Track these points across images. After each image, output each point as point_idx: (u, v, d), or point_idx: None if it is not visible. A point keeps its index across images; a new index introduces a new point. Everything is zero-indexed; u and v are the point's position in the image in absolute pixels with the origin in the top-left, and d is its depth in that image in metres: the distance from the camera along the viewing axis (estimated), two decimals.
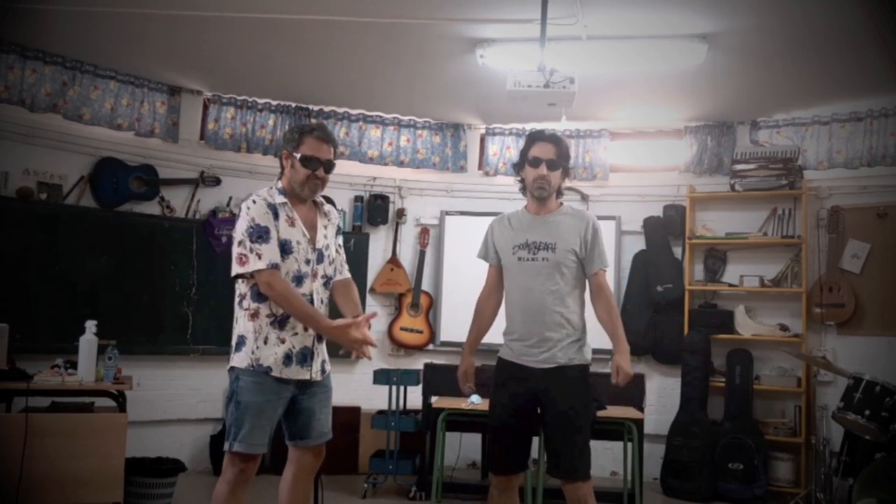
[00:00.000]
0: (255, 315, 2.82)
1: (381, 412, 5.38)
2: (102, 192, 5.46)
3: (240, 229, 2.80)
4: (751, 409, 5.61)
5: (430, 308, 6.35)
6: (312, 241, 2.89)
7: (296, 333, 2.82)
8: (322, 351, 2.94)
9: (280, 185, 2.92)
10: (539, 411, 3.11)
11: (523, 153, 3.22)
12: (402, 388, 5.27)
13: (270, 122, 6.15)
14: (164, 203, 5.71)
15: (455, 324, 6.20)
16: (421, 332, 6.23)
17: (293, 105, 6.18)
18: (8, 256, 4.99)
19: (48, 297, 5.08)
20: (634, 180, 6.39)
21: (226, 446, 2.79)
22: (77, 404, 4.11)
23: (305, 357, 2.84)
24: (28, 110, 5.13)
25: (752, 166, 5.78)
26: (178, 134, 5.88)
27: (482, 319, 3.33)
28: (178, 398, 5.65)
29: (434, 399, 5.15)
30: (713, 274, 6.02)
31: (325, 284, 2.94)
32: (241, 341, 2.83)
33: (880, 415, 4.40)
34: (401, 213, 6.45)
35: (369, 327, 2.88)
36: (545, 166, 3.11)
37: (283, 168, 2.93)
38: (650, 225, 6.21)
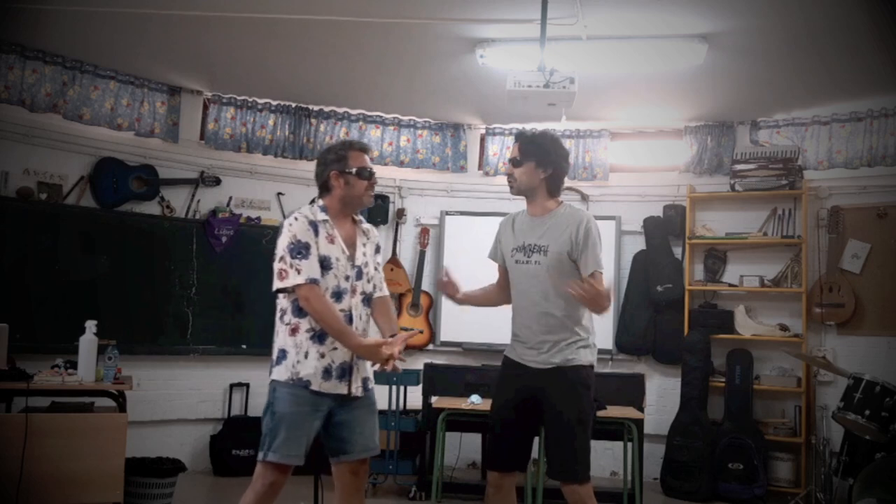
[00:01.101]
0: (295, 330, 2.85)
1: (381, 412, 5.35)
2: (102, 192, 5.47)
3: (281, 245, 2.84)
4: (751, 409, 5.61)
5: (429, 308, 6.35)
6: (352, 258, 2.93)
7: (335, 348, 2.84)
8: (364, 368, 2.94)
9: (322, 203, 2.97)
10: (540, 413, 3.11)
11: None
12: (402, 388, 5.27)
13: (270, 122, 6.15)
14: (164, 203, 5.71)
15: (455, 324, 6.22)
16: (421, 332, 6.24)
17: (293, 105, 6.18)
18: (8, 256, 5.00)
19: (48, 297, 5.08)
20: (634, 180, 6.39)
21: (259, 455, 2.80)
22: (77, 404, 4.11)
23: (344, 372, 2.86)
24: (28, 110, 5.13)
25: (752, 166, 5.78)
26: (178, 134, 5.88)
27: (486, 292, 3.34)
28: (178, 398, 5.65)
29: (434, 399, 5.15)
30: (713, 274, 6.02)
31: (365, 301, 2.97)
32: (283, 355, 2.85)
33: (880, 415, 4.40)
34: (401, 213, 6.45)
35: (403, 350, 2.88)
36: (510, 164, 3.16)
37: (330, 189, 2.96)
38: (650, 225, 6.21)
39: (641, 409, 5.05)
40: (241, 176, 6.05)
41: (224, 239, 5.80)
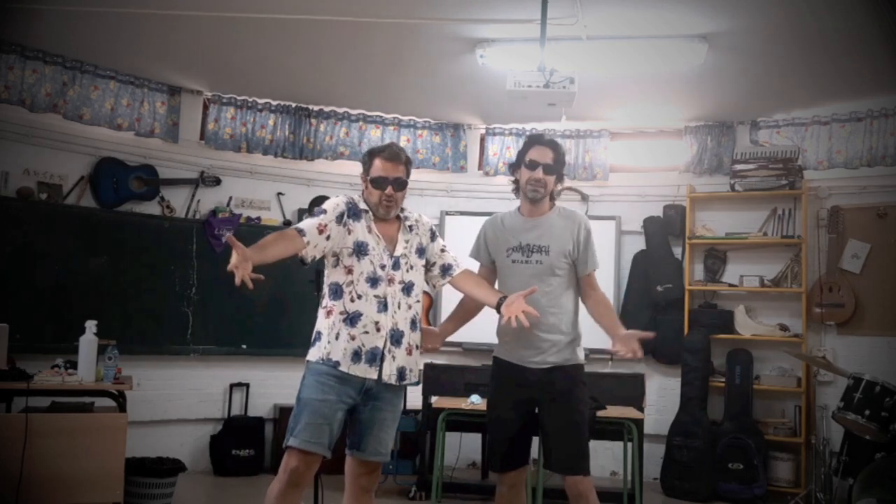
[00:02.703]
0: (329, 312, 2.89)
1: None
2: (102, 192, 5.47)
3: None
4: (751, 409, 5.61)
5: (429, 308, 6.35)
6: (389, 248, 2.95)
7: (366, 332, 2.86)
8: (400, 356, 2.92)
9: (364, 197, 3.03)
10: (537, 410, 3.12)
11: (521, 155, 3.22)
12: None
13: (270, 122, 6.15)
14: (164, 203, 5.71)
15: None
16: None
17: (293, 105, 6.18)
18: (8, 257, 5.00)
19: (48, 297, 5.09)
20: (634, 180, 6.39)
21: (284, 442, 2.82)
22: (77, 404, 4.11)
23: (375, 357, 2.86)
24: (28, 110, 5.14)
25: (752, 166, 5.79)
26: (178, 134, 5.88)
27: (459, 313, 3.30)
28: (178, 398, 5.65)
29: (434, 399, 5.15)
30: (713, 274, 6.02)
31: (405, 290, 2.97)
32: (318, 337, 2.91)
33: (880, 415, 4.40)
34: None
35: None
36: (541, 170, 3.12)
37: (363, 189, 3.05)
38: (650, 225, 6.21)
39: (641, 409, 5.04)
40: (241, 176, 6.05)
41: (224, 239, 5.80)
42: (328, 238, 2.86)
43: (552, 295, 3.09)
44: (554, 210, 3.21)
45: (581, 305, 3.22)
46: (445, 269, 3.10)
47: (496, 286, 3.23)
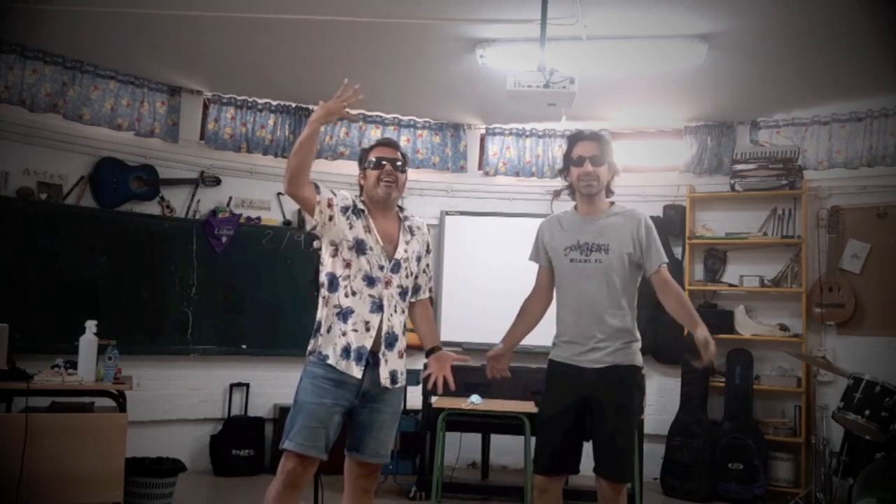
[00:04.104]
0: (326, 303, 2.90)
1: None
2: (102, 192, 5.47)
3: None
4: (751, 409, 5.61)
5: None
6: (388, 250, 2.93)
7: (355, 330, 2.85)
8: (392, 359, 2.91)
9: (362, 199, 3.02)
10: (590, 413, 3.06)
11: (566, 156, 3.18)
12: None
13: (270, 122, 6.15)
14: (164, 203, 5.71)
15: (455, 324, 6.20)
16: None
17: (293, 105, 6.18)
18: (8, 256, 5.00)
19: (48, 297, 5.08)
20: (634, 180, 6.36)
21: (280, 444, 2.82)
22: (77, 404, 4.11)
23: (362, 356, 2.84)
24: (28, 110, 5.14)
25: (752, 166, 5.79)
26: (178, 134, 5.88)
27: (526, 318, 3.26)
28: (178, 398, 5.65)
29: (434, 399, 5.13)
30: (713, 274, 6.02)
31: (402, 294, 2.96)
32: (317, 327, 2.91)
33: (880, 415, 4.40)
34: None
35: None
36: (589, 163, 3.08)
37: (361, 190, 3.04)
38: None
39: (642, 410, 5.04)
40: (240, 176, 6.05)
41: (224, 239, 5.80)
42: (331, 218, 2.85)
43: (611, 295, 3.05)
44: (613, 208, 3.17)
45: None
46: (416, 289, 3.06)
47: (554, 290, 3.21)
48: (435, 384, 2.93)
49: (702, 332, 2.99)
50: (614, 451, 2.99)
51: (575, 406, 3.05)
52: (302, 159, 2.77)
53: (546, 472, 3.08)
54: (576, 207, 3.23)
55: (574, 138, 3.19)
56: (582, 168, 3.09)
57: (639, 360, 3.10)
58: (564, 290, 3.13)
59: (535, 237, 3.28)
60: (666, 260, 3.13)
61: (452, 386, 2.83)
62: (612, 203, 3.21)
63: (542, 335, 3.27)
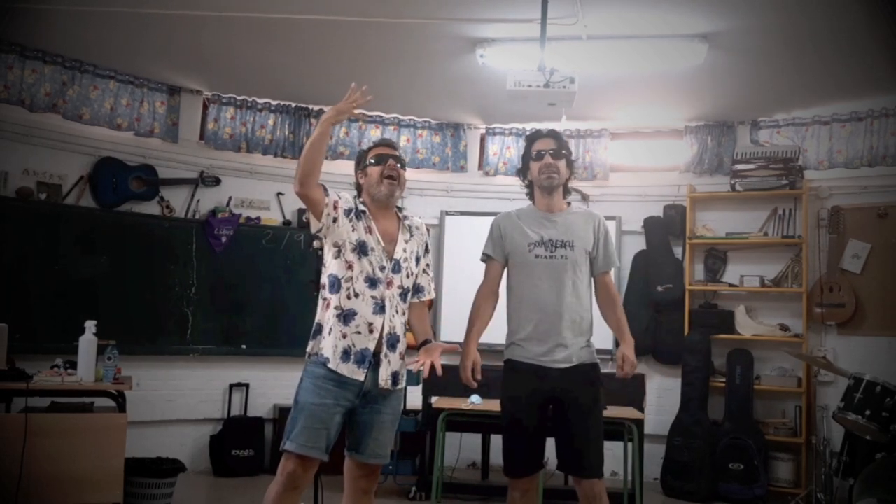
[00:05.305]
0: (327, 306, 2.89)
1: None
2: (102, 192, 5.46)
3: None
4: (751, 410, 5.61)
5: (430, 308, 6.33)
6: (388, 251, 2.93)
7: (358, 332, 2.84)
8: (394, 360, 2.91)
9: (361, 199, 3.02)
10: (554, 411, 3.08)
11: (525, 154, 3.21)
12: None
13: (270, 122, 6.15)
14: (164, 203, 5.70)
15: (455, 324, 6.18)
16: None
17: (293, 105, 6.18)
18: (8, 256, 4.99)
19: (48, 297, 5.08)
20: (635, 180, 6.39)
21: (281, 445, 2.82)
22: (77, 404, 4.11)
23: (364, 359, 2.83)
24: (28, 110, 5.13)
25: (752, 166, 5.78)
26: (177, 134, 5.87)
27: (485, 317, 3.24)
28: (178, 398, 5.64)
29: (434, 399, 5.13)
30: (713, 274, 6.02)
31: (403, 295, 2.96)
32: (317, 329, 2.91)
33: (880, 415, 4.39)
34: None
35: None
36: (549, 156, 3.12)
37: (359, 190, 3.04)
38: (650, 225, 6.20)
39: (641, 409, 5.04)
40: (240, 176, 6.05)
41: (224, 239, 5.80)
42: (335, 220, 2.86)
43: (576, 292, 3.07)
44: (571, 207, 3.22)
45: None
46: (417, 289, 3.05)
47: (510, 282, 3.19)
48: (429, 374, 2.84)
49: (624, 347, 3.05)
50: (591, 450, 3.04)
51: (540, 406, 3.07)
52: (313, 159, 2.78)
53: (526, 474, 3.10)
54: (535, 203, 3.23)
55: (533, 137, 3.24)
56: (542, 161, 3.13)
57: (596, 357, 3.15)
58: (525, 286, 3.11)
59: (489, 232, 3.26)
60: (618, 264, 3.21)
61: (439, 371, 2.79)
62: (569, 203, 3.24)
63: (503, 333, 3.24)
